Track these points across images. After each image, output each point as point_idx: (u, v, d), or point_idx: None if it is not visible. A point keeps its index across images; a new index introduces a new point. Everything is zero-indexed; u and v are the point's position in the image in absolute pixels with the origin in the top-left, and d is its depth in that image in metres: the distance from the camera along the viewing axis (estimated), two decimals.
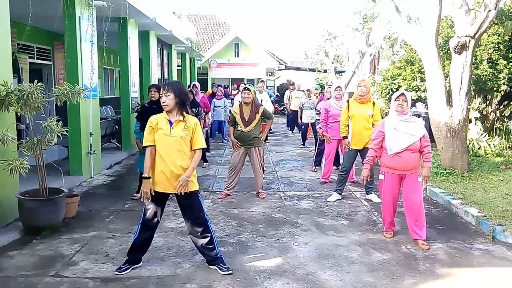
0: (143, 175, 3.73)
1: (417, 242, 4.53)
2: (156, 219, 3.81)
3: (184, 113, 3.71)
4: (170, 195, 3.83)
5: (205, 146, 3.88)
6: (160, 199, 3.76)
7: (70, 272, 3.80)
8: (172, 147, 3.64)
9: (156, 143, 3.68)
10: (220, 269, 3.80)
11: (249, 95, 6.16)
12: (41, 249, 4.31)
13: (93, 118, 7.56)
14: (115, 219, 5.31)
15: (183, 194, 3.66)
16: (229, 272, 3.77)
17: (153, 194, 3.68)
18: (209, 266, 3.88)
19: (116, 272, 3.75)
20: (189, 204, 3.79)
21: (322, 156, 8.04)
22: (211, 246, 3.84)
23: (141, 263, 3.90)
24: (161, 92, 3.69)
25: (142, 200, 3.71)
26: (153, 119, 3.73)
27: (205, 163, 8.67)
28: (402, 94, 4.56)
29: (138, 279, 3.68)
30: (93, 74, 7.49)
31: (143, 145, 3.76)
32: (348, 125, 6.18)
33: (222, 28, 29.30)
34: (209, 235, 3.83)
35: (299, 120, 11.48)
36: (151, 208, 3.76)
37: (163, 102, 3.65)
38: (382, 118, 5.78)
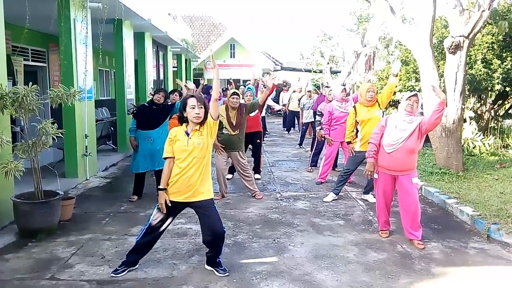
0: (159, 187, 3.68)
1: (412, 242, 4.55)
2: (163, 227, 3.76)
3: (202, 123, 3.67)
4: (186, 208, 3.83)
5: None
6: (173, 208, 3.70)
7: (66, 275, 3.79)
8: (189, 156, 3.61)
9: (175, 152, 3.64)
10: (217, 271, 3.80)
11: (237, 100, 6.13)
12: (37, 252, 4.30)
13: (88, 120, 7.55)
14: (111, 221, 5.30)
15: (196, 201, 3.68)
16: (226, 274, 3.77)
17: (169, 204, 3.65)
18: (206, 266, 3.89)
19: (112, 274, 3.74)
20: (208, 213, 3.74)
21: (319, 156, 8.05)
22: (218, 251, 3.84)
23: (137, 265, 3.90)
24: (193, 103, 3.58)
25: (162, 212, 3.66)
26: (172, 131, 3.72)
27: None
28: (415, 95, 4.47)
29: (134, 281, 3.67)
30: (87, 76, 7.47)
31: (164, 156, 3.69)
32: (354, 130, 6.06)
33: (218, 29, 29.31)
34: (222, 243, 3.83)
35: (301, 120, 11.53)
36: (160, 215, 3.71)
37: (197, 114, 3.57)
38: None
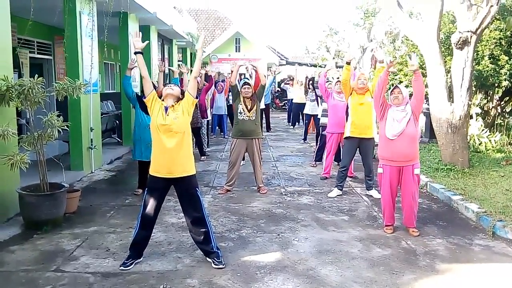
0: (135, 51, 4.00)
1: (407, 230, 4.68)
2: (155, 211, 3.85)
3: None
4: (170, 187, 3.89)
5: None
6: (160, 188, 3.82)
7: (71, 267, 3.81)
8: (169, 131, 3.73)
9: (152, 129, 3.80)
10: (213, 263, 3.83)
11: (249, 89, 6.15)
12: (42, 244, 4.33)
13: (93, 113, 7.56)
14: (116, 214, 5.31)
15: (180, 177, 3.78)
16: (220, 266, 3.78)
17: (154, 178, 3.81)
18: (207, 258, 3.91)
19: (122, 268, 3.76)
20: (188, 196, 3.84)
21: (323, 151, 8.03)
22: (207, 240, 3.87)
23: (142, 258, 3.92)
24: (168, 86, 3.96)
25: (151, 198, 3.81)
26: (154, 95, 3.87)
27: (202, 157, 8.66)
28: (396, 87, 4.71)
29: (139, 274, 3.69)
30: (93, 68, 7.47)
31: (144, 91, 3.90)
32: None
33: (223, 23, 29.25)
34: (206, 229, 3.86)
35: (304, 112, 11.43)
36: (150, 200, 3.80)
37: (169, 86, 3.91)
38: None
